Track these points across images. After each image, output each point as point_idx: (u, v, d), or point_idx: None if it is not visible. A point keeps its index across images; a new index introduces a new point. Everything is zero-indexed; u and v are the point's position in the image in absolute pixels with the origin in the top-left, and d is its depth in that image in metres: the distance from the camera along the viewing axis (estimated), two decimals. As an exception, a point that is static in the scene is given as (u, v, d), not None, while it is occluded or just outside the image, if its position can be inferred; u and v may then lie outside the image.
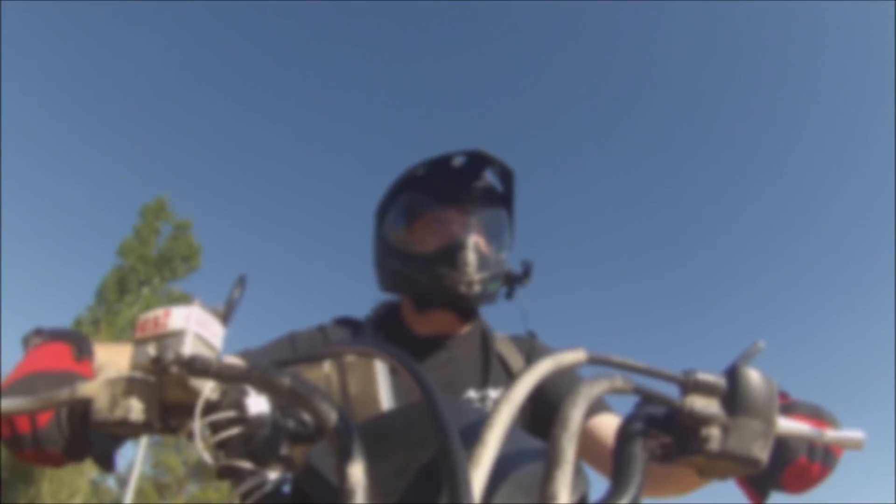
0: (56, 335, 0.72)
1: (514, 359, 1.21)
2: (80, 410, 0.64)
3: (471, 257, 1.13)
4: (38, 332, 0.72)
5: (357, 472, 0.48)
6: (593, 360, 0.57)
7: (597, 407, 1.09)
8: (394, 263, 1.23)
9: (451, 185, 1.23)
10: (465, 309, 1.23)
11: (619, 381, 0.56)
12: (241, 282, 0.78)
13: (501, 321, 1.32)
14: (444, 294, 1.15)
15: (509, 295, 1.26)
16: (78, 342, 0.72)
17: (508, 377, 1.18)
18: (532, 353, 1.23)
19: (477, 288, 1.14)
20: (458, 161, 1.22)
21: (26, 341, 0.72)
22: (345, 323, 1.28)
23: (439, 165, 1.22)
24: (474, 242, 1.16)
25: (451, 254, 1.14)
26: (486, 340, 1.24)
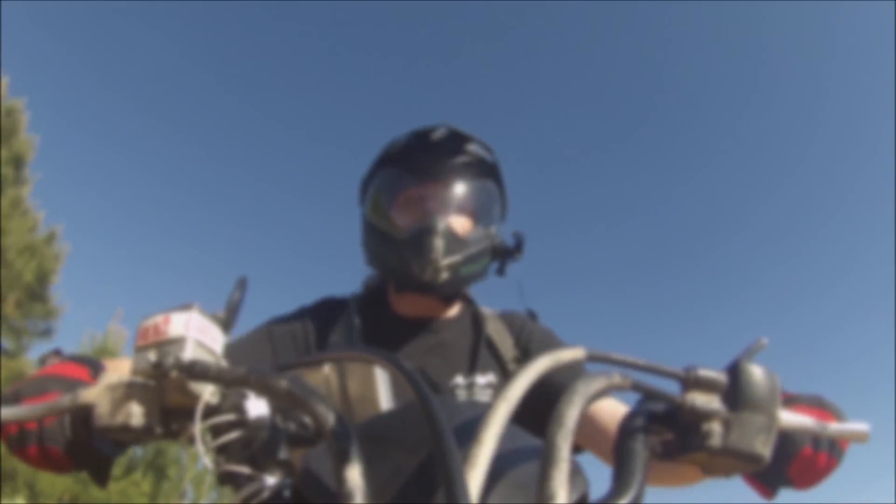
0: (74, 358, 0.74)
1: (504, 342, 1.18)
2: (83, 416, 0.65)
3: (438, 242, 1.08)
4: (57, 353, 0.75)
5: (355, 475, 0.48)
6: (592, 358, 0.57)
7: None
8: (372, 243, 1.20)
9: (429, 159, 1.17)
10: (442, 294, 1.17)
11: (617, 378, 0.56)
12: (242, 285, 0.79)
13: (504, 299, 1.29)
14: (412, 280, 1.11)
15: (501, 271, 1.21)
16: (93, 365, 0.74)
17: (497, 362, 1.15)
18: (521, 332, 1.19)
19: (445, 274, 1.09)
20: (437, 134, 1.17)
21: (43, 360, 0.74)
22: (328, 304, 1.24)
23: (418, 139, 1.18)
24: (445, 225, 1.10)
25: (418, 239, 1.09)
26: (476, 323, 1.20)
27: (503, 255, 1.20)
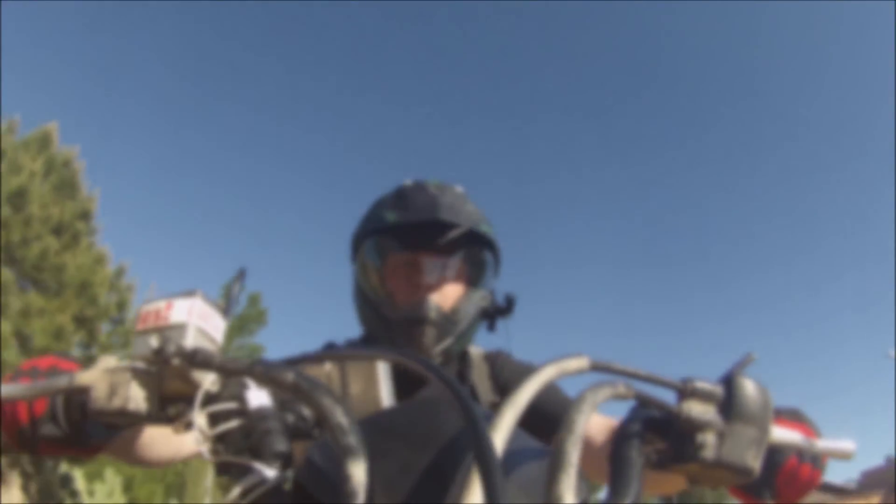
0: (67, 355, 0.75)
1: (484, 389, 1.18)
2: (79, 400, 0.64)
3: (429, 332, 1.08)
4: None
5: (360, 470, 0.48)
6: (596, 367, 0.58)
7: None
8: (363, 310, 1.19)
9: (421, 230, 1.12)
10: None
11: (622, 387, 0.57)
12: (241, 275, 0.78)
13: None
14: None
15: (491, 327, 1.21)
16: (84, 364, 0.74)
17: None
18: (500, 374, 1.19)
19: (438, 359, 1.10)
20: (428, 205, 1.11)
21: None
22: None
23: (409, 207, 1.13)
24: (437, 310, 1.09)
25: (409, 328, 1.09)
26: (462, 375, 1.20)
27: (494, 314, 1.20)
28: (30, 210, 12.83)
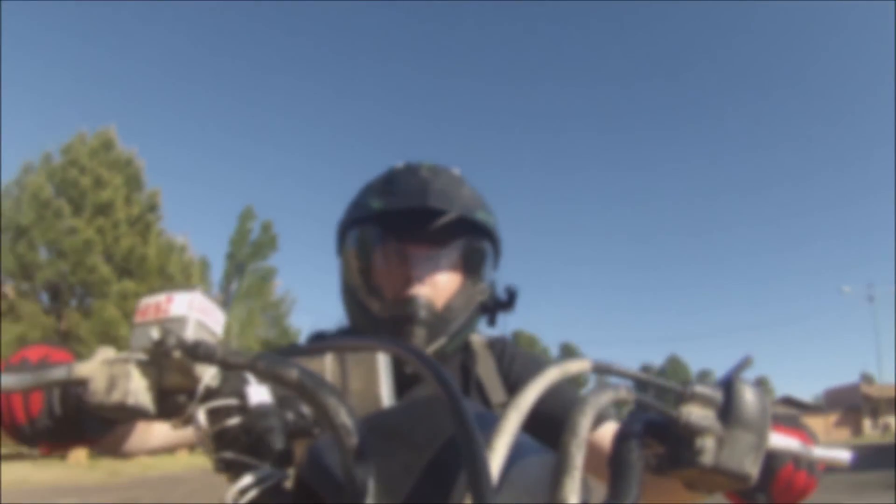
0: (59, 344, 0.74)
1: (493, 384, 1.11)
2: (74, 392, 0.63)
3: (419, 332, 1.01)
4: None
5: (366, 470, 0.48)
6: (597, 369, 0.59)
7: (603, 416, 1.00)
8: (349, 304, 1.11)
9: (412, 217, 1.03)
10: None
11: (623, 392, 0.57)
12: (239, 270, 0.78)
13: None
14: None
15: (492, 322, 1.14)
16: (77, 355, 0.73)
17: (486, 406, 1.07)
18: (510, 370, 1.13)
19: None
20: (420, 189, 1.04)
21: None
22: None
23: (399, 193, 1.05)
24: (428, 307, 1.02)
25: (398, 326, 1.01)
26: (466, 369, 1.13)
27: (494, 309, 1.13)
28: (116, 216, 18.65)
